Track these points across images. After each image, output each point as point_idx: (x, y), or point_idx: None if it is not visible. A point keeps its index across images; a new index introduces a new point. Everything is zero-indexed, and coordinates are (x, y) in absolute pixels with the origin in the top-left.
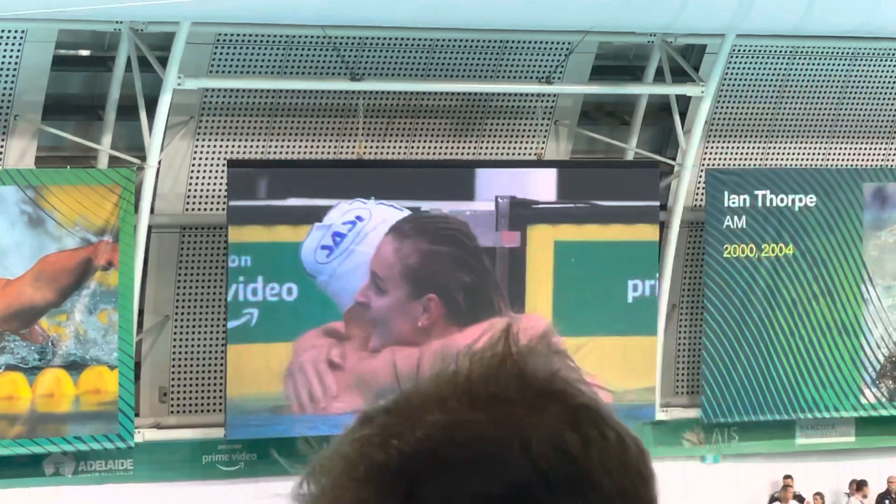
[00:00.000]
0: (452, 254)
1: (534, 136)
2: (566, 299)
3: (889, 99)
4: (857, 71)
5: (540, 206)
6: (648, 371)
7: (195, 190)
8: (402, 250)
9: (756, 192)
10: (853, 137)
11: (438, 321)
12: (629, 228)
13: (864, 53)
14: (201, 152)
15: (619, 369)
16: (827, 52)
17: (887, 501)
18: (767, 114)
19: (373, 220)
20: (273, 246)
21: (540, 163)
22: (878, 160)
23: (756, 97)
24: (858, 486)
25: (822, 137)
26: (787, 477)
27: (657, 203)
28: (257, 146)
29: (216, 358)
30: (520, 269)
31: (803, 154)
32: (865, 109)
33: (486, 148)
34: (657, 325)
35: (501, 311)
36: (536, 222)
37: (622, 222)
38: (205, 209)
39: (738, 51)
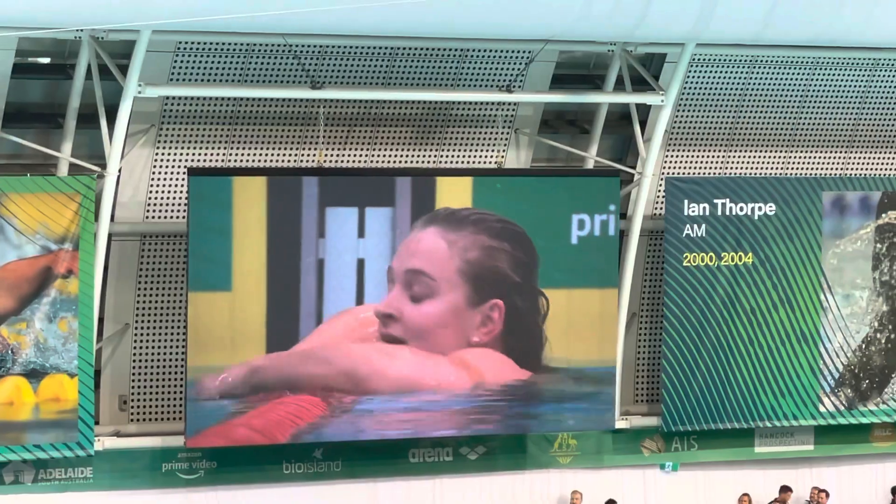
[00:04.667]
0: (514, 255)
1: (494, 145)
2: None
3: (848, 108)
4: (817, 80)
5: None
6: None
7: (155, 198)
8: (459, 241)
9: (715, 201)
10: (812, 146)
11: (497, 339)
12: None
13: (823, 63)
14: (162, 160)
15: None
16: (786, 62)
17: None
18: (727, 123)
19: None
20: None
21: (501, 171)
22: (837, 169)
23: (716, 106)
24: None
25: (782, 146)
26: (744, 495)
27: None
28: (218, 154)
29: (176, 366)
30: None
31: (763, 163)
32: (825, 119)
33: (447, 156)
34: (617, 276)
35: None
36: None
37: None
38: (165, 217)
39: (698, 60)
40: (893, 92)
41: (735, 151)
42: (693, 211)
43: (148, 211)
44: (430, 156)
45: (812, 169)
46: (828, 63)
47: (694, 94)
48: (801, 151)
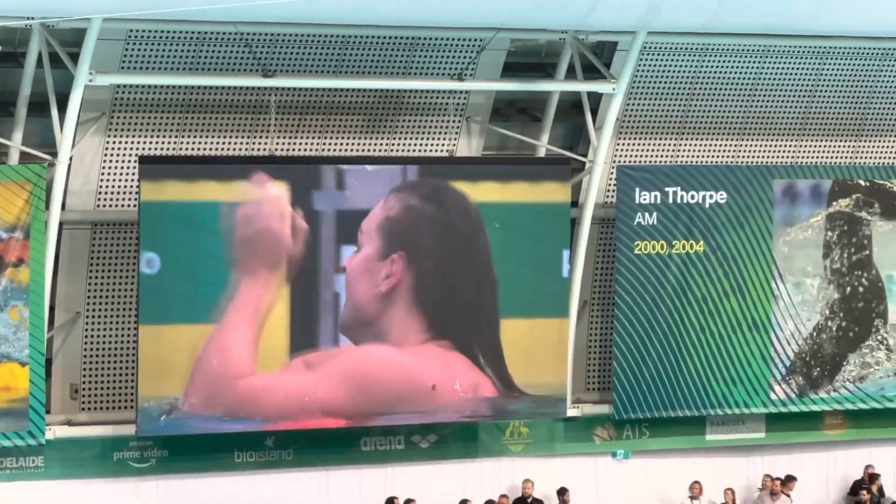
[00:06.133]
0: (437, 216)
1: (446, 133)
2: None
3: (798, 96)
4: (767, 68)
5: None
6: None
7: (106, 186)
8: (389, 202)
9: (667, 189)
10: (763, 135)
11: (400, 290)
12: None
13: (773, 51)
14: (113, 149)
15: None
16: (737, 50)
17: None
18: (678, 111)
19: None
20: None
21: (452, 159)
22: (787, 157)
23: (667, 94)
24: (784, 481)
25: (733, 134)
26: (695, 483)
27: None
28: (169, 142)
29: (127, 355)
30: None
31: (714, 151)
32: (775, 107)
33: (399, 144)
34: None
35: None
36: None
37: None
38: (116, 205)
39: (649, 48)
40: (844, 80)
41: (686, 139)
42: (644, 199)
43: (99, 199)
44: (381, 144)
45: (763, 157)
46: (778, 51)
47: (645, 82)
48: (752, 140)
